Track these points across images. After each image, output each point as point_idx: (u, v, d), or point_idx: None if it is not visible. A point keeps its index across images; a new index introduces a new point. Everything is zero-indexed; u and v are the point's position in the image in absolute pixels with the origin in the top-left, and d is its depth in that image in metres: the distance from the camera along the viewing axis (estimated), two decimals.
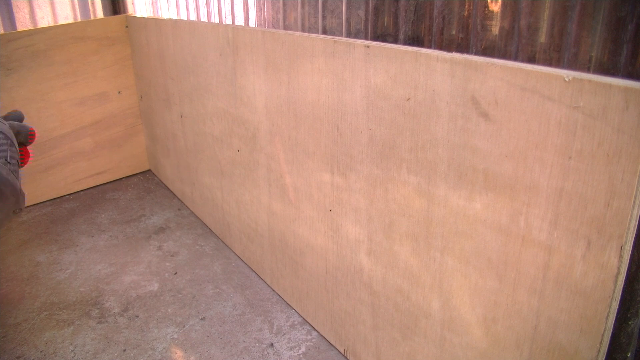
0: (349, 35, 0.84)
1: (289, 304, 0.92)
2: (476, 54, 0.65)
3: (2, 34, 1.25)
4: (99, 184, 1.41)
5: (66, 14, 1.57)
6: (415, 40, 0.73)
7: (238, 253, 1.08)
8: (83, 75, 1.31)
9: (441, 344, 0.59)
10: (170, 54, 1.11)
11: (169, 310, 0.92)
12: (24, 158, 0.68)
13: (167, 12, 1.43)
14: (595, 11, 0.53)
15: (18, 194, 0.52)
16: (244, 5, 1.10)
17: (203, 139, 1.07)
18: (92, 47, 1.31)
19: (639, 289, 0.55)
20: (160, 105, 1.25)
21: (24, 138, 0.60)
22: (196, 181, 1.17)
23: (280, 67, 0.73)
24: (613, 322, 0.42)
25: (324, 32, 0.89)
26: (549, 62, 0.58)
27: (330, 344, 0.82)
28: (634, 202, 0.37)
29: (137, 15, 1.47)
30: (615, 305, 0.41)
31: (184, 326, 0.88)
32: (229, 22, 1.17)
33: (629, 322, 0.57)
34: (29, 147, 0.57)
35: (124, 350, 0.82)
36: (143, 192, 1.41)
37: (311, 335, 0.84)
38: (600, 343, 0.42)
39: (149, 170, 1.54)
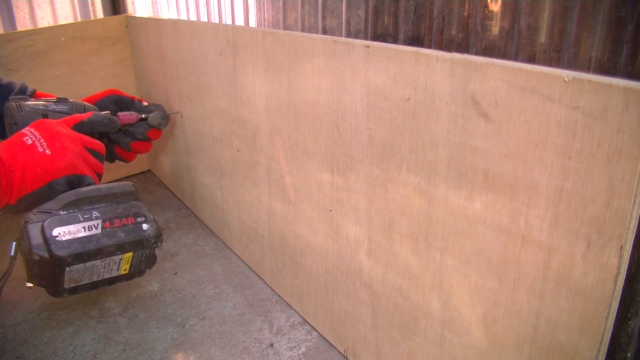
0: (348, 35, 0.84)
1: (289, 304, 0.92)
2: (476, 54, 0.65)
3: (2, 34, 1.25)
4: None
5: (66, 14, 1.57)
6: (415, 40, 0.73)
7: (238, 253, 1.08)
8: (83, 75, 1.31)
9: (441, 344, 0.59)
10: (170, 54, 1.11)
11: (169, 310, 0.92)
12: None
13: (167, 12, 1.43)
14: (595, 11, 0.53)
15: None
16: (244, 6, 1.10)
17: (203, 139, 1.07)
18: (92, 47, 1.31)
19: (639, 289, 0.55)
20: None
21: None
22: (196, 181, 1.17)
23: (280, 67, 0.73)
24: (613, 322, 0.42)
25: (324, 32, 0.89)
26: (549, 62, 0.58)
27: (330, 344, 0.82)
28: (634, 202, 0.37)
29: (137, 15, 1.47)
30: (615, 305, 0.41)
31: (184, 326, 0.88)
32: (229, 22, 1.17)
33: (629, 322, 0.57)
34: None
35: (124, 350, 0.82)
36: (143, 192, 1.41)
37: (311, 335, 0.84)
38: (600, 343, 0.42)
39: (149, 170, 1.54)
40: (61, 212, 0.68)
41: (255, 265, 1.01)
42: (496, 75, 0.43)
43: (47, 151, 0.70)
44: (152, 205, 1.33)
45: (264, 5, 1.04)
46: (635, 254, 0.54)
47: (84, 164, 0.75)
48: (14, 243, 0.69)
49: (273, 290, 0.96)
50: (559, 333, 0.45)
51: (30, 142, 0.70)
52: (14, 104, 0.81)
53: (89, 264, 0.69)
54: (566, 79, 0.38)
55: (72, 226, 0.67)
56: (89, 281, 0.72)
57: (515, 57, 0.61)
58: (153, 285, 0.99)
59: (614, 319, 0.42)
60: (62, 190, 0.71)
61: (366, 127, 0.60)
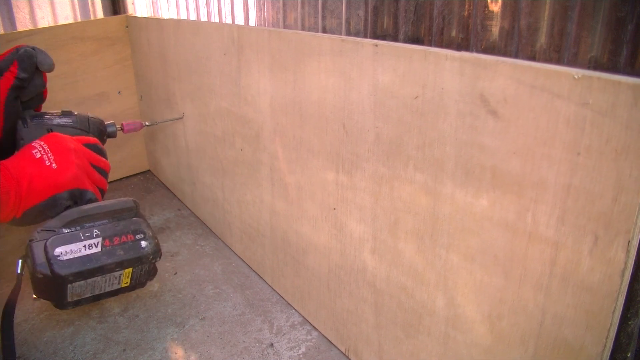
0: (348, 35, 0.85)
1: (289, 304, 0.92)
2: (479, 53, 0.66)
3: (2, 34, 1.24)
4: None
5: (66, 14, 1.57)
6: (415, 40, 0.73)
7: (238, 253, 1.08)
8: (83, 75, 1.31)
9: (445, 342, 0.59)
10: (172, 53, 1.11)
11: (169, 310, 0.92)
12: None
13: (167, 12, 1.43)
14: (595, 11, 0.54)
15: None
16: (244, 6, 1.11)
17: (205, 138, 1.07)
18: (92, 47, 1.31)
19: (639, 289, 0.56)
20: (160, 105, 1.26)
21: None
22: (197, 181, 1.17)
23: (286, 66, 0.73)
24: (619, 317, 0.43)
25: (324, 32, 0.90)
26: (548, 63, 0.59)
27: (331, 343, 0.82)
28: None
29: (138, 15, 1.47)
30: (621, 300, 0.42)
31: (184, 326, 0.88)
32: (229, 22, 1.18)
33: (629, 322, 0.58)
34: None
35: (124, 350, 0.82)
36: (143, 192, 1.41)
37: (311, 335, 0.84)
38: (606, 338, 0.43)
39: (149, 170, 1.54)
40: (64, 230, 0.72)
41: (255, 265, 1.01)
42: (505, 73, 0.44)
43: (53, 165, 0.72)
44: (152, 205, 1.33)
45: (264, 5, 1.04)
46: (636, 254, 0.54)
47: (88, 179, 0.79)
48: (20, 261, 0.73)
49: (274, 290, 0.96)
50: (565, 329, 0.46)
51: (38, 155, 0.73)
52: (19, 119, 0.83)
53: (90, 280, 0.72)
54: (576, 77, 0.39)
55: (73, 245, 0.71)
56: (91, 295, 0.75)
57: (515, 57, 0.62)
58: (153, 285, 0.99)
59: (620, 314, 0.42)
60: (65, 204, 0.75)
61: (373, 125, 0.60)
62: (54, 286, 0.71)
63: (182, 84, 1.10)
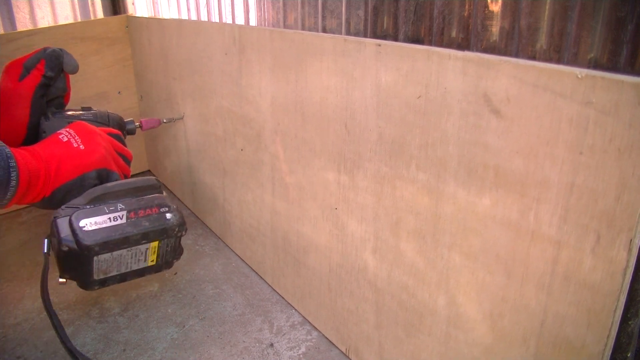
0: (348, 35, 0.85)
1: (289, 304, 0.92)
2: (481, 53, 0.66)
3: (2, 34, 1.24)
4: None
5: (66, 14, 1.57)
6: (415, 40, 0.74)
7: (238, 253, 1.08)
8: (83, 75, 1.31)
9: (446, 341, 0.59)
10: (173, 54, 1.11)
11: (169, 310, 0.92)
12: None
13: (167, 12, 1.43)
14: (595, 11, 0.54)
15: None
16: (244, 6, 1.11)
17: (205, 138, 1.07)
18: (92, 47, 1.31)
19: (639, 289, 0.56)
20: (161, 105, 1.26)
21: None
22: (197, 181, 1.17)
23: (288, 65, 0.73)
24: (620, 315, 0.43)
25: (324, 32, 0.90)
26: (549, 62, 0.59)
27: (332, 343, 0.82)
28: None
29: (138, 15, 1.47)
30: (623, 298, 0.42)
31: (184, 326, 0.87)
32: (229, 22, 1.18)
33: (629, 322, 0.58)
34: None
35: (124, 350, 0.82)
36: None
37: (311, 335, 0.85)
38: (608, 337, 0.43)
39: (149, 170, 1.54)
40: (87, 207, 0.72)
41: (256, 265, 1.01)
42: (508, 72, 0.44)
43: (80, 146, 0.75)
44: None
45: (264, 5, 1.05)
46: (638, 253, 0.54)
47: (114, 162, 0.79)
48: (46, 240, 0.73)
49: (274, 290, 0.96)
50: (566, 327, 0.46)
51: (65, 139, 0.75)
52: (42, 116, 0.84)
53: (115, 253, 0.72)
54: (579, 76, 0.39)
55: (98, 217, 0.71)
56: (118, 272, 0.75)
57: (515, 57, 0.62)
58: (153, 285, 0.99)
59: (621, 312, 0.43)
60: (92, 183, 0.77)
61: (375, 125, 0.61)
62: (79, 261, 0.70)
63: (183, 84, 1.10)
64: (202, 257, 1.08)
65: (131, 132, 1.01)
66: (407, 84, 0.55)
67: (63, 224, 0.69)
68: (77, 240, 0.68)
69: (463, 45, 0.68)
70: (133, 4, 1.58)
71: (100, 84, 1.33)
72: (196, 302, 0.94)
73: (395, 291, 0.65)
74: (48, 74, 0.81)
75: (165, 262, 0.81)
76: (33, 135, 0.83)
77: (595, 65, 0.55)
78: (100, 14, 1.65)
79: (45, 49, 0.83)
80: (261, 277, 1.00)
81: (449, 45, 0.69)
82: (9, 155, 0.63)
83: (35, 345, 0.83)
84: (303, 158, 0.76)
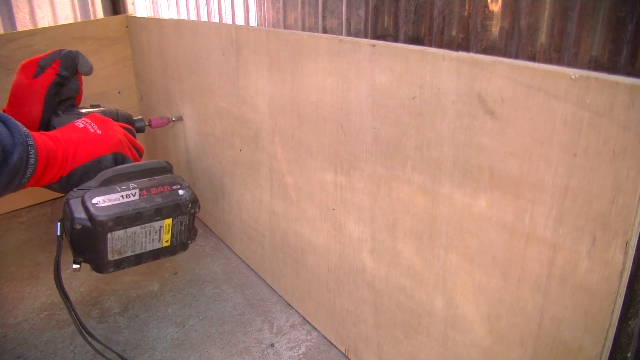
0: (349, 35, 0.85)
1: (289, 304, 0.92)
2: (476, 53, 0.66)
3: (2, 34, 1.24)
4: None
5: (66, 14, 1.57)
6: (416, 40, 0.73)
7: (238, 253, 1.08)
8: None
9: (444, 342, 0.59)
10: (171, 54, 1.11)
11: (169, 310, 0.92)
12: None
13: (167, 12, 1.43)
14: (595, 11, 0.53)
15: None
16: (244, 6, 1.11)
17: (204, 138, 1.07)
18: (92, 47, 1.31)
19: (639, 289, 0.56)
20: (160, 106, 1.26)
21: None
22: (196, 181, 1.17)
23: (284, 66, 0.73)
24: (618, 318, 0.42)
25: (324, 32, 0.89)
26: (549, 63, 0.59)
27: (331, 343, 0.82)
28: (639, 198, 0.37)
29: (138, 15, 1.47)
30: (620, 301, 0.41)
31: (184, 326, 0.88)
32: (230, 22, 1.18)
33: (629, 322, 0.58)
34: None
35: (124, 350, 0.82)
36: None
37: (311, 335, 0.84)
38: (605, 339, 0.43)
39: None
40: (99, 187, 0.72)
41: (255, 265, 1.01)
42: (503, 73, 0.44)
43: (98, 131, 0.77)
44: None
45: (264, 5, 1.04)
46: (635, 254, 0.54)
47: (128, 149, 0.80)
48: (59, 223, 0.72)
49: (273, 290, 0.96)
50: (564, 330, 0.45)
51: (82, 125, 0.77)
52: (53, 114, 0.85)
53: (130, 230, 0.71)
54: (573, 77, 0.38)
55: (110, 195, 0.71)
56: (133, 253, 0.74)
57: (515, 57, 0.62)
58: (153, 285, 0.99)
59: (618, 315, 0.42)
60: (108, 165, 0.77)
61: (371, 125, 0.60)
62: (93, 239, 0.70)
63: (182, 84, 1.10)
64: (202, 257, 1.09)
65: (140, 130, 1.01)
66: (401, 85, 0.54)
67: (76, 204, 0.69)
68: (90, 217, 0.68)
69: (463, 45, 0.67)
70: (133, 4, 1.58)
71: (100, 84, 1.33)
72: (196, 302, 0.94)
73: (393, 292, 0.65)
74: (63, 73, 0.82)
75: (180, 242, 0.80)
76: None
77: (596, 65, 0.54)
78: (100, 14, 1.65)
79: (60, 50, 0.84)
80: (261, 277, 1.00)
81: (449, 45, 0.69)
82: (27, 134, 0.64)
83: (35, 345, 0.83)
84: (300, 158, 0.76)
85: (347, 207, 0.69)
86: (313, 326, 0.86)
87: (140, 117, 1.02)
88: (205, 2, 1.25)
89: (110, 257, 0.72)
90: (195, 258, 1.08)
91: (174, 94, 1.16)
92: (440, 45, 0.70)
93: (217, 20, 1.21)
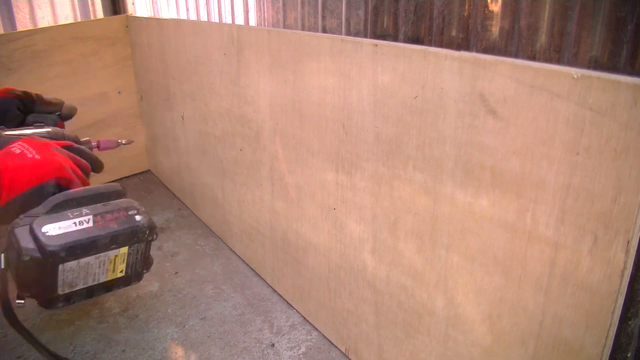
0: (348, 35, 0.85)
1: (289, 304, 0.92)
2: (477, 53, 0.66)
3: (2, 34, 1.24)
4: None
5: (66, 14, 1.57)
6: (415, 40, 0.73)
7: (238, 253, 1.08)
8: (83, 75, 1.31)
9: (445, 342, 0.59)
10: (172, 54, 1.11)
11: (169, 310, 0.92)
12: None
13: (167, 12, 1.43)
14: (595, 11, 0.54)
15: None
16: (244, 5, 1.11)
17: (205, 138, 1.07)
18: (92, 47, 1.31)
19: (639, 289, 0.56)
20: (160, 106, 1.26)
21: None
22: (197, 181, 1.17)
23: (285, 66, 0.73)
24: (619, 317, 0.43)
25: (324, 32, 0.90)
26: (549, 62, 0.59)
27: (332, 343, 0.82)
28: None
29: (138, 15, 1.47)
30: (621, 300, 0.42)
31: (184, 326, 0.88)
32: (229, 22, 1.18)
33: (629, 322, 0.58)
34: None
35: (124, 351, 0.82)
36: (143, 192, 1.41)
37: (311, 335, 0.84)
38: (606, 338, 0.43)
39: (149, 170, 1.54)
40: (49, 214, 0.65)
41: (255, 265, 1.01)
42: (505, 72, 0.44)
43: (36, 156, 0.71)
44: (152, 205, 1.33)
45: (264, 5, 1.04)
46: (636, 253, 0.54)
47: (73, 173, 0.77)
48: (2, 255, 0.65)
49: (274, 289, 0.96)
50: (565, 329, 0.45)
51: (18, 151, 0.71)
52: None
53: (83, 261, 0.66)
54: (575, 76, 0.39)
55: (62, 222, 0.64)
56: (85, 286, 0.69)
57: (515, 57, 0.62)
58: (153, 285, 0.99)
59: (620, 314, 0.42)
60: (52, 192, 0.70)
61: (373, 125, 0.60)
62: (42, 272, 0.63)
63: (183, 84, 1.10)
64: (202, 257, 1.09)
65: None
66: (403, 84, 0.54)
67: (23, 233, 0.62)
68: (40, 247, 0.61)
69: (463, 45, 0.67)
70: (133, 4, 1.58)
71: (100, 84, 1.33)
72: (196, 302, 0.94)
73: (394, 291, 0.65)
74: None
75: (134, 272, 0.74)
76: None
77: (596, 65, 0.54)
78: (100, 14, 1.65)
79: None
80: (261, 277, 1.00)
81: (449, 45, 0.69)
82: None
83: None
84: (301, 158, 0.76)
85: (348, 207, 0.69)
86: (313, 326, 0.86)
87: (88, 138, 0.97)
88: (205, 2, 1.25)
89: (60, 291, 0.65)
90: (195, 258, 1.08)
91: (174, 94, 1.16)
92: (440, 45, 0.70)
93: (217, 20, 1.21)
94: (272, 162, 0.84)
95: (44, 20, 1.55)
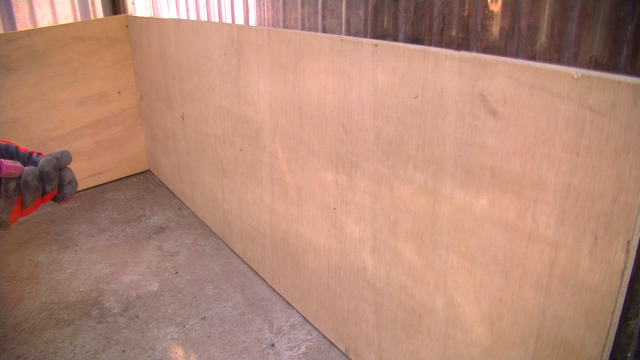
0: (348, 35, 0.84)
1: (289, 304, 0.92)
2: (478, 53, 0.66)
3: (2, 34, 1.24)
4: (98, 184, 1.40)
5: (66, 14, 1.57)
6: (415, 40, 0.73)
7: (238, 253, 1.08)
8: (83, 75, 1.31)
9: (445, 342, 0.59)
10: (172, 53, 1.11)
11: (169, 310, 0.92)
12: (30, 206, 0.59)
13: (167, 12, 1.43)
14: (595, 11, 0.53)
15: None
16: (244, 5, 1.11)
17: (205, 138, 1.07)
18: (92, 47, 1.31)
19: (639, 289, 0.56)
20: (160, 105, 1.26)
21: (51, 188, 0.51)
22: (197, 181, 1.17)
23: (285, 66, 0.73)
24: (619, 317, 0.43)
25: (324, 32, 0.89)
26: (549, 62, 0.59)
27: (332, 343, 0.82)
28: None
29: (138, 15, 1.47)
30: (621, 300, 0.41)
31: (184, 326, 0.88)
32: (229, 22, 1.18)
33: (629, 322, 0.58)
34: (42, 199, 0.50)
35: (124, 351, 0.82)
36: (143, 192, 1.41)
37: (311, 335, 0.84)
38: (606, 338, 0.43)
39: (149, 170, 1.54)
40: None
41: (255, 265, 1.01)
42: (505, 72, 0.44)
43: None
44: (152, 205, 1.33)
45: (264, 5, 1.04)
46: (636, 253, 0.54)
47: None
48: None
49: (273, 289, 0.96)
50: (565, 328, 0.45)
51: None
52: None
53: None
54: (575, 76, 0.38)
55: None
56: None
57: (515, 57, 0.61)
58: (153, 285, 0.99)
59: (620, 314, 0.42)
60: None
61: (373, 125, 0.60)
62: None
63: (182, 84, 1.10)
64: (202, 257, 1.09)
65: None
66: (403, 84, 0.54)
67: None
68: None
69: (463, 45, 0.67)
70: (133, 3, 1.58)
71: (100, 83, 1.33)
72: (196, 302, 0.94)
73: (394, 291, 0.65)
74: None
75: None
76: None
77: (596, 65, 0.54)
78: (100, 14, 1.65)
79: None
80: (261, 277, 1.00)
81: (449, 45, 0.69)
82: None
83: (35, 345, 0.83)
84: (301, 158, 0.76)
85: (348, 207, 0.69)
86: (313, 326, 0.86)
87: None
88: (205, 2, 1.25)
89: None
90: (195, 258, 1.08)
91: (174, 94, 1.16)
92: (440, 45, 0.70)
93: (217, 20, 1.21)
94: (272, 162, 0.84)
95: (44, 20, 1.55)
